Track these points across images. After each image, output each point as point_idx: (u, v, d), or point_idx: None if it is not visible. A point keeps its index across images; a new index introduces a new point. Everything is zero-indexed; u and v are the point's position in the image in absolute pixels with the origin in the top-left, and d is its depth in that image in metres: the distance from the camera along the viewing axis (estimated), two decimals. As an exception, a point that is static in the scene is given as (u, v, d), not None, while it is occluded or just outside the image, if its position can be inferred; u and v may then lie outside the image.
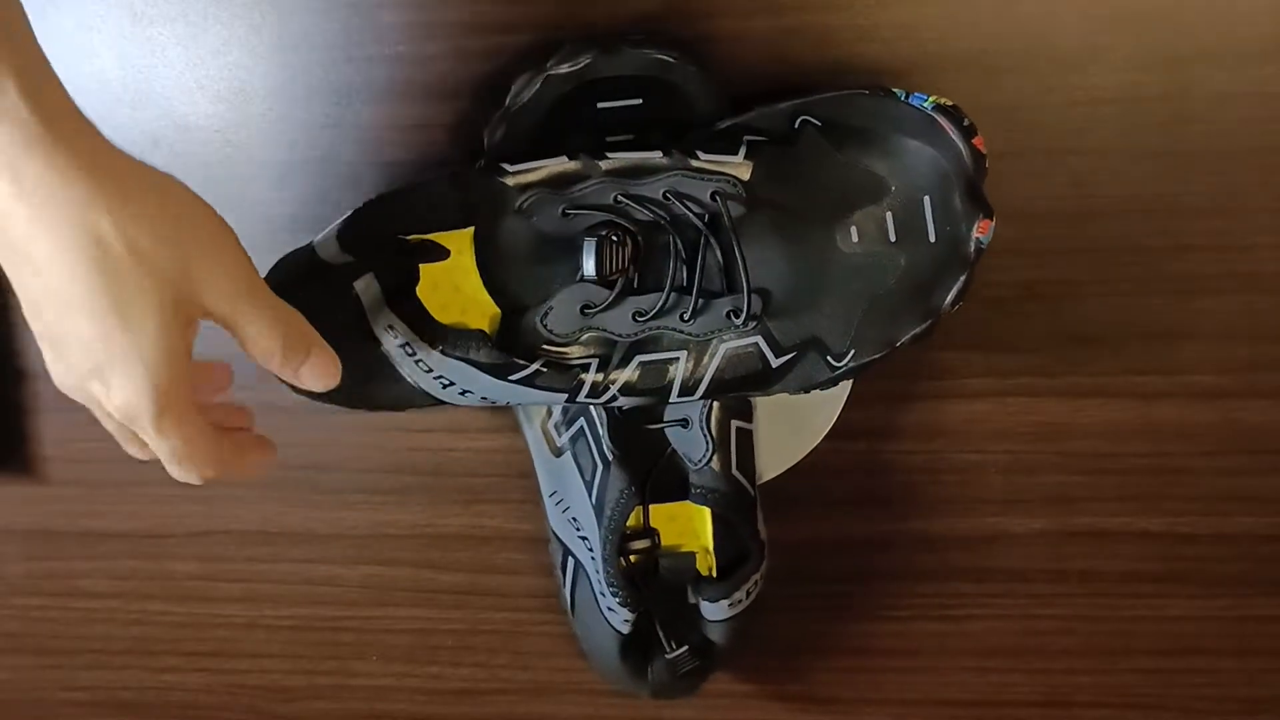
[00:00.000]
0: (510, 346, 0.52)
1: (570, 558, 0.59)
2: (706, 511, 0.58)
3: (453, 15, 0.58)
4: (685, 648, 0.59)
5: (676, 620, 0.59)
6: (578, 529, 0.58)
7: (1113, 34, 0.57)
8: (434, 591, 0.67)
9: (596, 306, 0.52)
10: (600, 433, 0.55)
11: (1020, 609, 0.65)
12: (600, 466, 0.56)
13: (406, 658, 0.68)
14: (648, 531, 0.58)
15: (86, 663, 0.69)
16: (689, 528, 0.59)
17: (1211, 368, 0.61)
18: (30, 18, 0.42)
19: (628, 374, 0.52)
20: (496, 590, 0.66)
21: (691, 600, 0.59)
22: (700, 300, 0.52)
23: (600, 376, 0.52)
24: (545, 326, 0.52)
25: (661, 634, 0.59)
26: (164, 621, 0.67)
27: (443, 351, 0.51)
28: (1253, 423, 0.62)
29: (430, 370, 0.51)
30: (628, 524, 0.57)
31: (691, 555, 0.59)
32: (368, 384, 0.52)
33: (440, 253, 0.52)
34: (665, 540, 0.59)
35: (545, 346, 0.52)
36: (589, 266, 0.52)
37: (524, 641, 0.67)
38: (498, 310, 0.53)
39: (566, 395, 0.52)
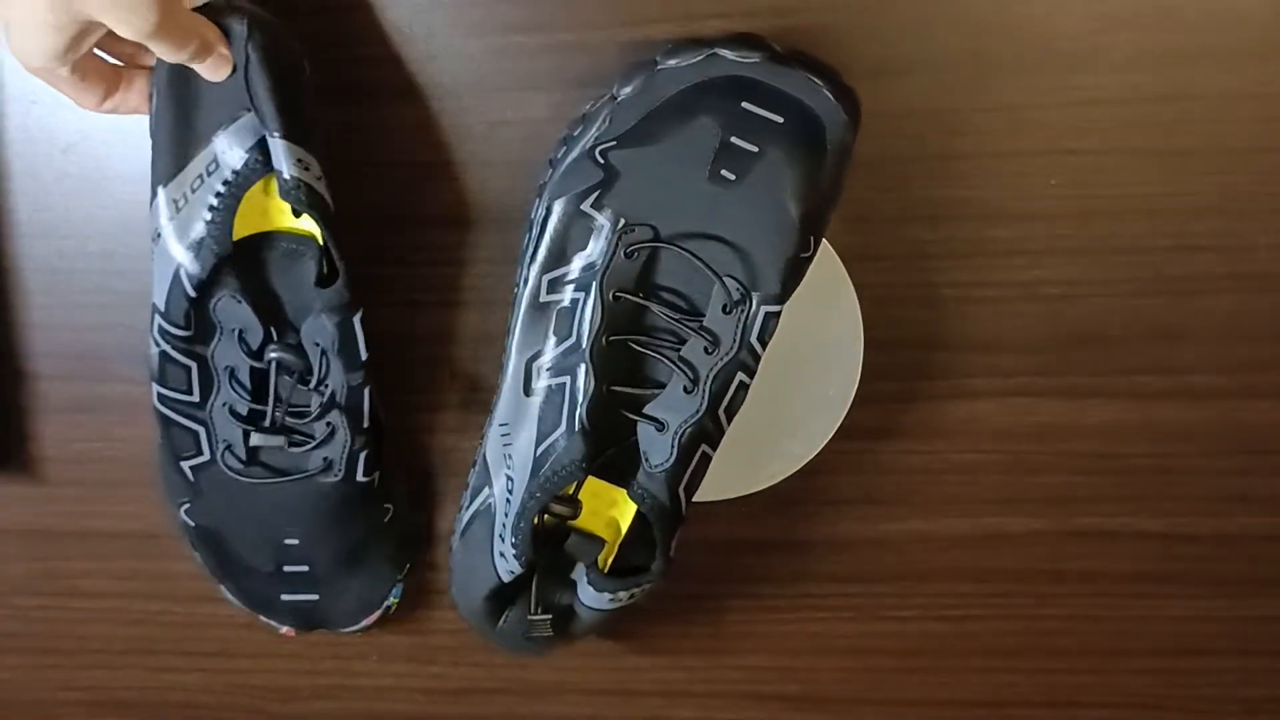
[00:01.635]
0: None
1: (488, 489, 0.58)
2: (633, 509, 0.58)
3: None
4: (549, 616, 0.59)
5: (552, 585, 0.59)
6: (508, 468, 0.57)
7: (1113, 34, 0.57)
8: (434, 592, 0.67)
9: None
10: (579, 399, 0.55)
11: (1020, 609, 0.65)
12: (563, 429, 0.55)
13: (406, 658, 0.68)
14: (574, 501, 0.58)
15: (86, 663, 0.69)
16: (606, 512, 0.59)
17: (1211, 368, 0.61)
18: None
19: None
20: (496, 590, 0.67)
21: (574, 576, 0.59)
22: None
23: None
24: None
25: (535, 594, 0.59)
26: (164, 621, 0.67)
27: None
28: (1253, 423, 0.62)
29: None
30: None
31: (601, 543, 0.58)
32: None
33: None
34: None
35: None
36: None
37: (524, 641, 0.67)
38: None
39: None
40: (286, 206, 0.56)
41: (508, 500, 0.57)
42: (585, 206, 0.54)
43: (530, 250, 0.56)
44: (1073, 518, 0.64)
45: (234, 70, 0.53)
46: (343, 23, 0.59)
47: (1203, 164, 0.58)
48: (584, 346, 0.54)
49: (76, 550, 0.67)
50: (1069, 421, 0.62)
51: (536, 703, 0.68)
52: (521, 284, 0.56)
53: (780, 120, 0.53)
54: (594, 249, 0.54)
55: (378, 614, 0.63)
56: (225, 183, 0.54)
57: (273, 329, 0.57)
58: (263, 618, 0.64)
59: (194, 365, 0.57)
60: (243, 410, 0.57)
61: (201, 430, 0.58)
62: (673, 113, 0.53)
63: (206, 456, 0.59)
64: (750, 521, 0.64)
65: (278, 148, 0.53)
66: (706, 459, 0.56)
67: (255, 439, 0.58)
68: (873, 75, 0.57)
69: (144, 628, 0.68)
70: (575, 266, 0.54)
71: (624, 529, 0.59)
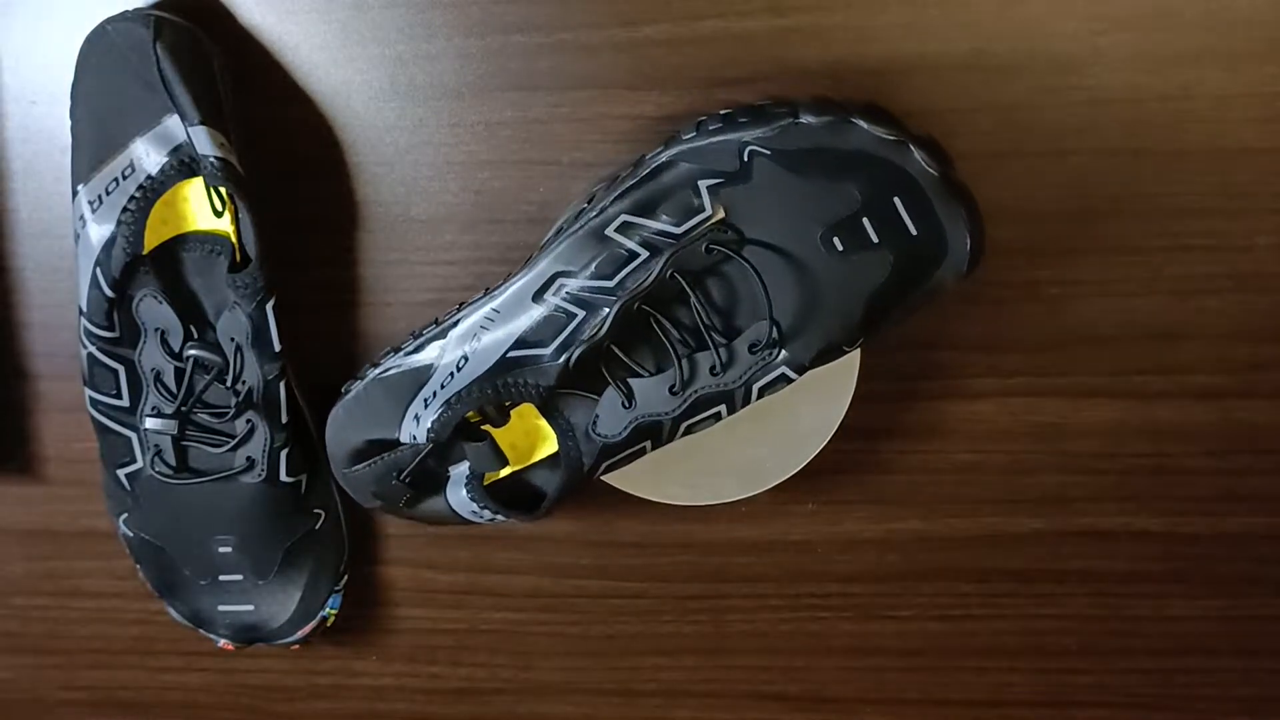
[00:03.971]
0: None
1: (438, 352, 0.57)
2: (548, 448, 0.59)
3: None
4: (410, 492, 0.59)
5: (430, 466, 0.59)
6: (469, 349, 0.57)
7: (1113, 34, 0.57)
8: (434, 591, 0.67)
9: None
10: (581, 338, 0.55)
11: (1020, 609, 0.65)
12: (549, 352, 0.55)
13: (406, 658, 0.68)
14: (505, 413, 0.59)
15: (86, 663, 0.69)
16: (522, 435, 0.60)
17: (1211, 368, 0.61)
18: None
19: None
20: (496, 590, 0.66)
21: (453, 470, 0.59)
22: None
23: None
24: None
25: (413, 466, 0.59)
26: (164, 621, 0.67)
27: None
28: (1253, 423, 0.62)
29: None
30: None
31: (503, 464, 0.58)
32: None
33: None
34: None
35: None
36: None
37: (524, 641, 0.67)
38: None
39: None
40: (202, 209, 0.57)
41: (451, 376, 0.57)
42: (703, 184, 0.54)
43: (625, 186, 0.56)
44: (1072, 518, 0.64)
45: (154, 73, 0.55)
46: (342, 25, 0.59)
47: (1203, 164, 0.58)
48: (618, 296, 0.54)
49: (76, 550, 0.67)
50: (1069, 421, 0.62)
51: (536, 703, 0.68)
52: (596, 210, 0.56)
53: (914, 233, 0.53)
54: (683, 224, 0.54)
55: (313, 625, 0.63)
56: (140, 186, 0.55)
57: (192, 328, 0.58)
58: (203, 631, 0.64)
59: (121, 369, 0.58)
60: (169, 413, 0.58)
61: (133, 436, 0.60)
62: (833, 163, 0.54)
63: (139, 464, 0.60)
64: (750, 521, 0.64)
65: (199, 133, 0.54)
66: (642, 453, 0.57)
67: (175, 435, 0.59)
68: (873, 75, 0.57)
69: (144, 628, 0.68)
70: (655, 227, 0.55)
71: (530, 461, 0.59)
